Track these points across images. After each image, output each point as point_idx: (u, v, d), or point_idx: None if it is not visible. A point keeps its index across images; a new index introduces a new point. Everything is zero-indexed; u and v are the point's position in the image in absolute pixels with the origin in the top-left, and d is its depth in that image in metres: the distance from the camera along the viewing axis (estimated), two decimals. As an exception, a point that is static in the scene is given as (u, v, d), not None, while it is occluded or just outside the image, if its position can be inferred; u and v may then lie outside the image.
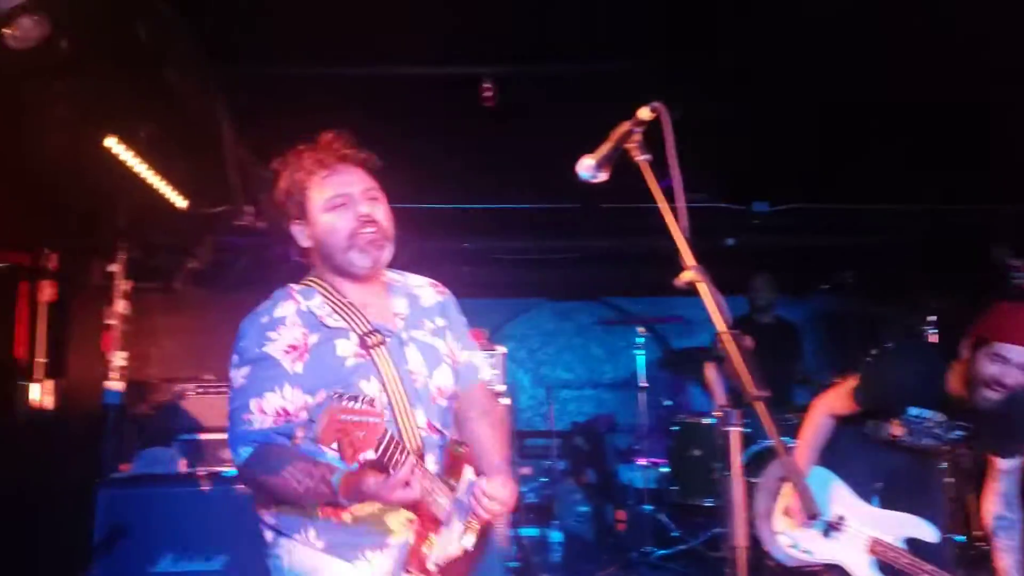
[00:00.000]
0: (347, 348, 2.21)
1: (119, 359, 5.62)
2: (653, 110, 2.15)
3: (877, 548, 3.43)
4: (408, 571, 2.16)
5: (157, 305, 7.07)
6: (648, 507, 5.75)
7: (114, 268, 5.66)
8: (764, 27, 4.01)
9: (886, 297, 7.16)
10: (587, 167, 2.27)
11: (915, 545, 3.43)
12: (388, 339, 2.28)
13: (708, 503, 5.70)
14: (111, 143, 4.29)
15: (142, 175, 4.82)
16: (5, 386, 6.11)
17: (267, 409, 2.16)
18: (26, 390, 6.19)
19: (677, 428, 6.06)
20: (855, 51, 4.14)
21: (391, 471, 1.94)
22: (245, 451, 2.16)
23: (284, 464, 2.09)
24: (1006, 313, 3.19)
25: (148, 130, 4.69)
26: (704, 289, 2.00)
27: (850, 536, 3.50)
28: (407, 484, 1.95)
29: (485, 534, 2.38)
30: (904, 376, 3.44)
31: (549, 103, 4.80)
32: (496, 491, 2.27)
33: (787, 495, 3.68)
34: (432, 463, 2.25)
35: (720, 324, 1.95)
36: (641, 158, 2.21)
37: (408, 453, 1.98)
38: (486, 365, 2.61)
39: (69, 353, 6.29)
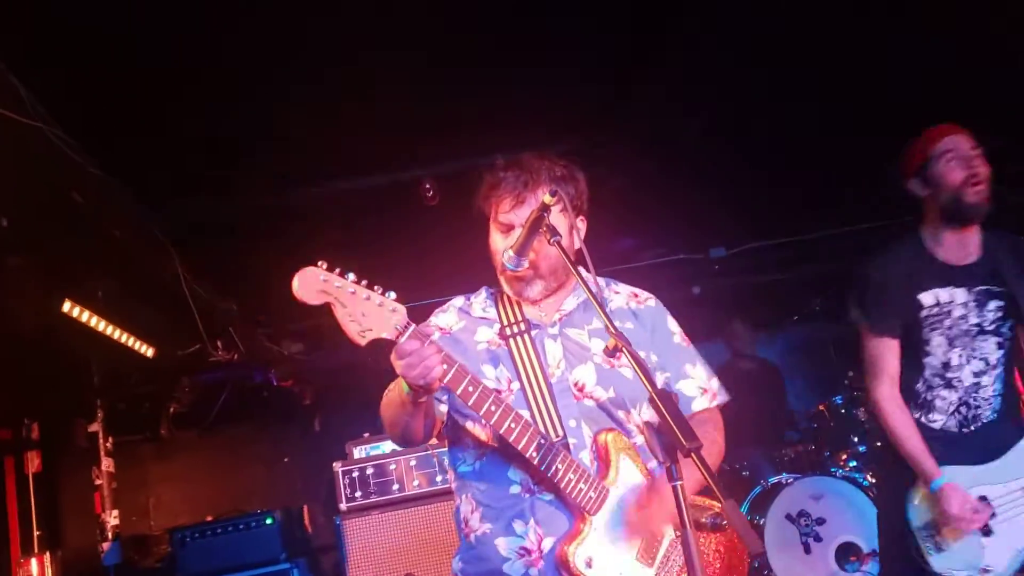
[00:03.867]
0: (485, 335, 2.40)
1: (112, 518, 5.60)
2: (553, 194, 2.19)
3: None
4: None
5: (148, 455, 7.06)
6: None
7: (95, 428, 5.68)
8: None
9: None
10: (510, 258, 2.29)
11: None
12: (532, 332, 2.37)
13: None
14: (68, 307, 4.34)
15: (107, 332, 4.88)
16: (2, 564, 6.08)
17: None
18: (27, 565, 6.16)
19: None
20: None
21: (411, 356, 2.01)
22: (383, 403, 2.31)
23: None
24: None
25: (105, 288, 4.77)
26: (628, 354, 2.05)
27: (1004, 518, 3.00)
28: (413, 354, 1.99)
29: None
30: (894, 263, 3.14)
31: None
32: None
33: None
34: (586, 457, 2.26)
35: (648, 386, 1.99)
36: (553, 240, 2.26)
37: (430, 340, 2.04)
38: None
39: (64, 520, 6.28)
